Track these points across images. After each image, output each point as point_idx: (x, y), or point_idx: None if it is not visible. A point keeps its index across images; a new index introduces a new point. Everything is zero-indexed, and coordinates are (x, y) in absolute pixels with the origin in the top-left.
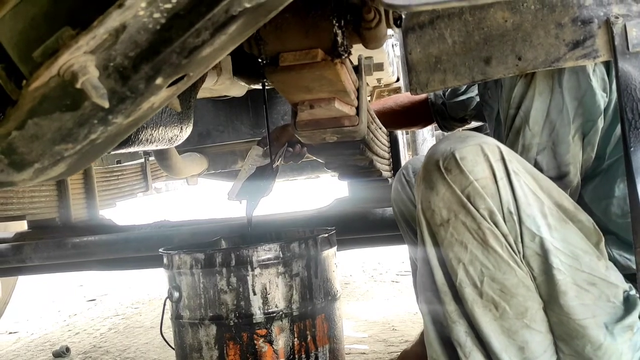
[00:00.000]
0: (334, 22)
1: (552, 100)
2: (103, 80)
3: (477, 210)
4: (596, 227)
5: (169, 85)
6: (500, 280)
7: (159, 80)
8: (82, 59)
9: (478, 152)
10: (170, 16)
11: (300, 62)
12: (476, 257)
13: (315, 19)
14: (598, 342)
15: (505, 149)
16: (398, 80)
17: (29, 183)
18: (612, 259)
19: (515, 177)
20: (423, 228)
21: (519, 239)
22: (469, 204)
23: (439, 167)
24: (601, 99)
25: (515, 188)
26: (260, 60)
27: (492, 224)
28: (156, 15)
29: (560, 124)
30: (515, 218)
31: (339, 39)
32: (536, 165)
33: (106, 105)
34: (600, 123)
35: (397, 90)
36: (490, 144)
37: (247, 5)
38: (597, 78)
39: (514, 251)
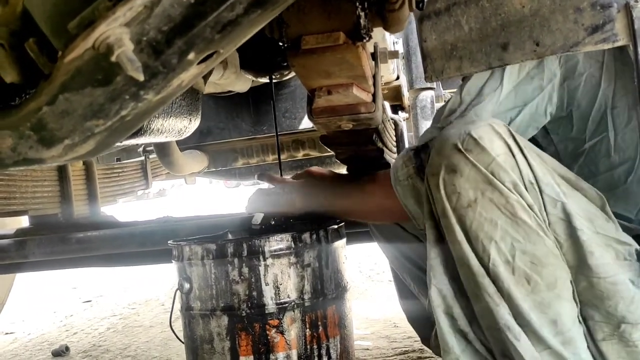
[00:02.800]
0: (357, 4)
1: (489, 78)
2: (136, 54)
3: (503, 184)
4: (598, 192)
5: (199, 62)
6: (531, 251)
7: (191, 56)
8: (117, 31)
9: (491, 130)
10: None
11: (322, 45)
12: (507, 232)
13: (338, 1)
14: (629, 297)
15: (509, 127)
16: (398, 78)
17: (58, 161)
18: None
19: (527, 151)
20: (448, 215)
21: (543, 208)
22: (494, 180)
23: (459, 148)
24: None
25: (530, 160)
26: (281, 44)
27: (518, 195)
28: None
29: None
30: (536, 187)
31: (362, 21)
32: None
33: (141, 78)
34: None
35: (397, 88)
36: (498, 123)
37: None
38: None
39: (541, 220)
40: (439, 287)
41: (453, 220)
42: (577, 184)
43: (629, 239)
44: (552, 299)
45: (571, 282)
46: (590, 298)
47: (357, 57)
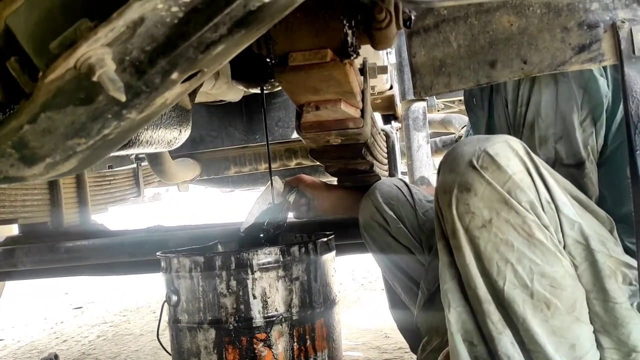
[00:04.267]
0: (344, 22)
1: (558, 90)
2: (118, 74)
3: (520, 204)
4: (608, 215)
5: (183, 81)
6: (550, 274)
7: (174, 75)
8: (99, 51)
9: (507, 147)
10: (188, 10)
11: (310, 62)
12: (524, 255)
13: (326, 18)
14: None
15: (525, 145)
16: (391, 88)
17: (39, 179)
18: (624, 248)
19: (542, 169)
20: (460, 236)
21: (559, 229)
22: (511, 199)
23: (474, 166)
24: (603, 84)
25: (546, 179)
26: (269, 60)
27: (535, 216)
28: (174, 9)
29: (570, 112)
30: (553, 207)
31: (349, 39)
32: (556, 154)
33: (123, 98)
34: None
35: (390, 98)
36: (514, 139)
37: (266, 0)
38: None
39: (556, 240)
40: (458, 311)
41: (464, 241)
42: (588, 205)
43: (634, 263)
44: (571, 322)
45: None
46: (603, 324)
47: (345, 73)
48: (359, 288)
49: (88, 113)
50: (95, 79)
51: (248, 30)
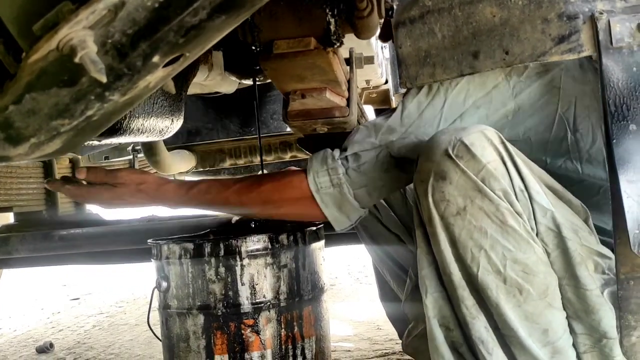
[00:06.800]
0: (327, 10)
1: (430, 101)
2: (100, 57)
3: (493, 192)
4: (583, 205)
5: (165, 65)
6: (522, 260)
7: (155, 59)
8: (81, 33)
9: (482, 137)
10: None
11: (294, 50)
12: (497, 241)
13: (309, 7)
14: (612, 312)
15: (500, 134)
16: (387, 82)
17: (24, 158)
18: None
19: (517, 158)
20: (435, 224)
21: (532, 216)
22: (484, 187)
23: (449, 155)
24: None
25: (520, 168)
26: (253, 47)
27: (508, 203)
28: None
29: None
30: (526, 195)
31: (332, 27)
32: None
33: (104, 79)
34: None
35: (385, 92)
36: (490, 129)
37: None
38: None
39: (529, 228)
40: (435, 296)
41: (439, 228)
42: (563, 195)
43: (609, 252)
44: (543, 307)
45: (560, 290)
46: (575, 310)
47: (328, 62)
48: (354, 282)
49: (71, 94)
50: (77, 60)
51: (228, 15)
